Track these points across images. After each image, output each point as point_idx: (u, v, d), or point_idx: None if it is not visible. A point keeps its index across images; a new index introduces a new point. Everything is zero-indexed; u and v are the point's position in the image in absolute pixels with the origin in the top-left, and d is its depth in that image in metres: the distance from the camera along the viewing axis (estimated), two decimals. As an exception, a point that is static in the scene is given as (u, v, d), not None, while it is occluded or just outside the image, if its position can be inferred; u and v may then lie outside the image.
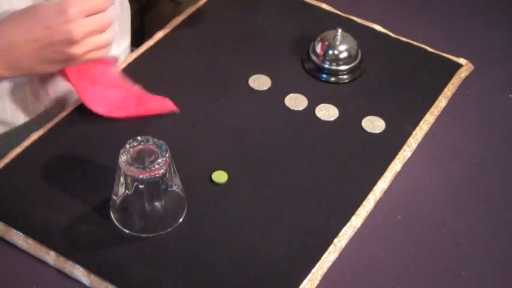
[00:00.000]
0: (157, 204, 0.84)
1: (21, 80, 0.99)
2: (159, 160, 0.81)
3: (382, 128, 0.99)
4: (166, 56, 1.08)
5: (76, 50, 0.87)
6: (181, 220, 0.87)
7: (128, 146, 0.82)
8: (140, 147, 0.83)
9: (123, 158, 0.81)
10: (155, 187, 0.83)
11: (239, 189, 0.91)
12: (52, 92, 1.05)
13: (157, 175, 0.81)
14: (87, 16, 0.86)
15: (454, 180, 0.95)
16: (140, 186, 0.82)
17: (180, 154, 0.89)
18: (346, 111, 1.02)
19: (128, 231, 0.86)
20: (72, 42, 0.86)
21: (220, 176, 0.92)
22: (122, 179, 0.83)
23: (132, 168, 0.81)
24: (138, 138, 0.83)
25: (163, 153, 0.82)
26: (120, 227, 0.86)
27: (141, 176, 0.81)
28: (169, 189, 0.84)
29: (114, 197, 0.85)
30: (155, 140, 0.83)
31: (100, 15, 0.88)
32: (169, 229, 0.86)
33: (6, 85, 0.99)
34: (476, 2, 1.23)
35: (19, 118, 1.03)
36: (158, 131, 0.96)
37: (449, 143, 1.00)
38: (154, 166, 0.81)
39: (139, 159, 0.82)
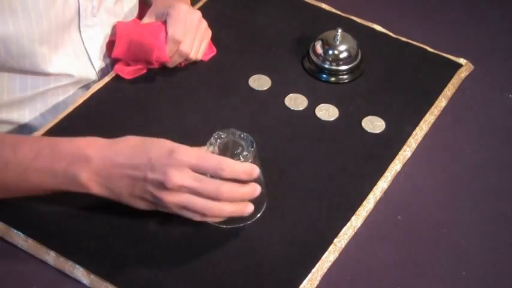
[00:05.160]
0: None
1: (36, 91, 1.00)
2: (245, 153, 0.82)
3: (382, 128, 0.99)
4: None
5: (165, 196, 0.81)
6: (259, 215, 0.87)
7: (213, 140, 0.83)
8: (226, 140, 0.83)
9: (210, 149, 0.82)
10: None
11: (239, 189, 0.91)
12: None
13: None
14: (195, 171, 0.81)
15: (454, 180, 0.95)
16: None
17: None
18: (346, 111, 1.02)
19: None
20: (162, 186, 0.81)
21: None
22: None
23: None
24: (225, 130, 0.83)
25: (249, 147, 0.83)
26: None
27: None
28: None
29: None
30: (242, 133, 0.84)
31: (209, 180, 0.81)
32: (248, 222, 0.86)
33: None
34: (476, 2, 1.23)
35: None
36: (158, 131, 0.97)
37: (449, 143, 1.00)
38: (240, 159, 0.82)
39: (225, 151, 0.83)
